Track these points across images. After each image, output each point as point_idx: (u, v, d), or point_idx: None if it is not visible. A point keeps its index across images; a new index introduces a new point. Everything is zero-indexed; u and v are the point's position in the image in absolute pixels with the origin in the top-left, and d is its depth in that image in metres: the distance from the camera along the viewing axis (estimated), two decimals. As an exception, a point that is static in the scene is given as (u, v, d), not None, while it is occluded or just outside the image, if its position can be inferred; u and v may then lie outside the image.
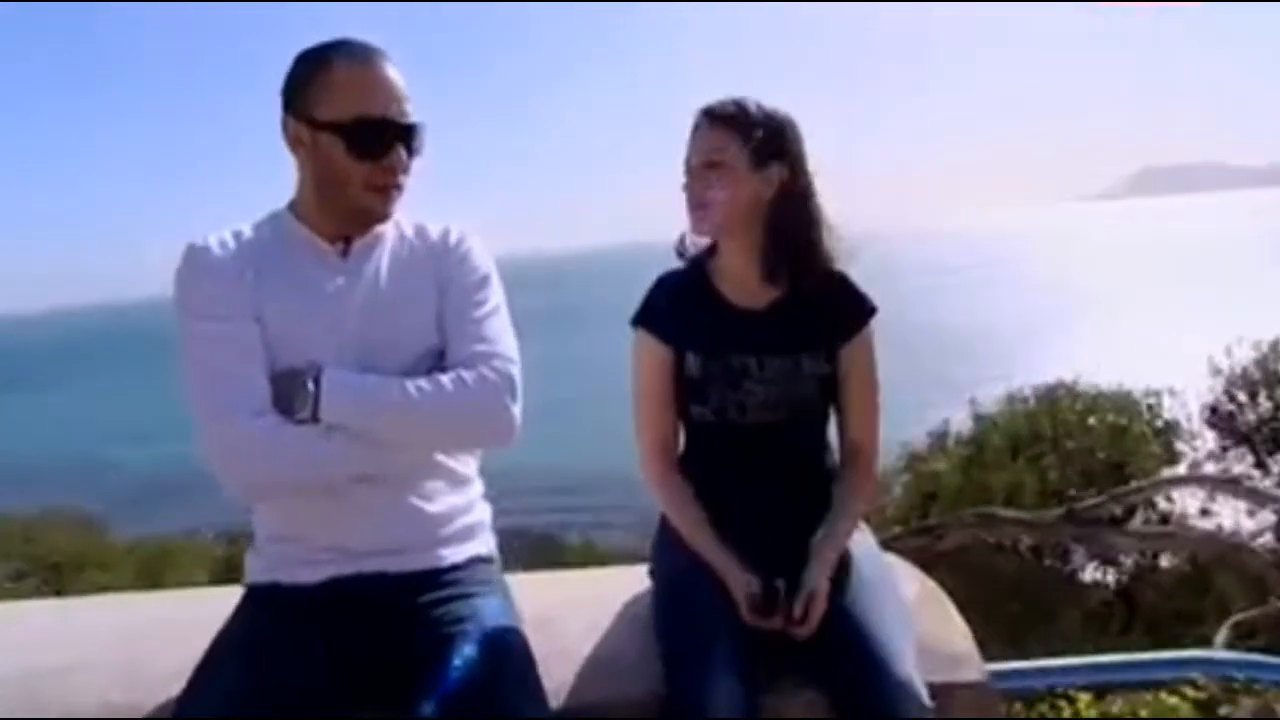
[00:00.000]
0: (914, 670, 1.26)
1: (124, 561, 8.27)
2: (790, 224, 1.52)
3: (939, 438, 6.64)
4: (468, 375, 1.35)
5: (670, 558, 1.53)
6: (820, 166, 1.56)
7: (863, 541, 1.54)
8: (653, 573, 1.62)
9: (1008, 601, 5.23)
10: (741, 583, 1.40)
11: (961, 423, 6.64)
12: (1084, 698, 2.23)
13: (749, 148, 1.50)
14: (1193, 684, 2.17)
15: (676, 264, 1.64)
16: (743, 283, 1.57)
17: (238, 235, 1.42)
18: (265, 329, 1.35)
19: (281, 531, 1.40)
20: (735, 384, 1.53)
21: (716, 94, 1.56)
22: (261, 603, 1.39)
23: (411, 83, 1.38)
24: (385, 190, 1.38)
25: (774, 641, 1.36)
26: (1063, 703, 2.24)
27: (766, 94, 1.53)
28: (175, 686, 1.26)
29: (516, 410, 1.38)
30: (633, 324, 1.59)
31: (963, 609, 1.60)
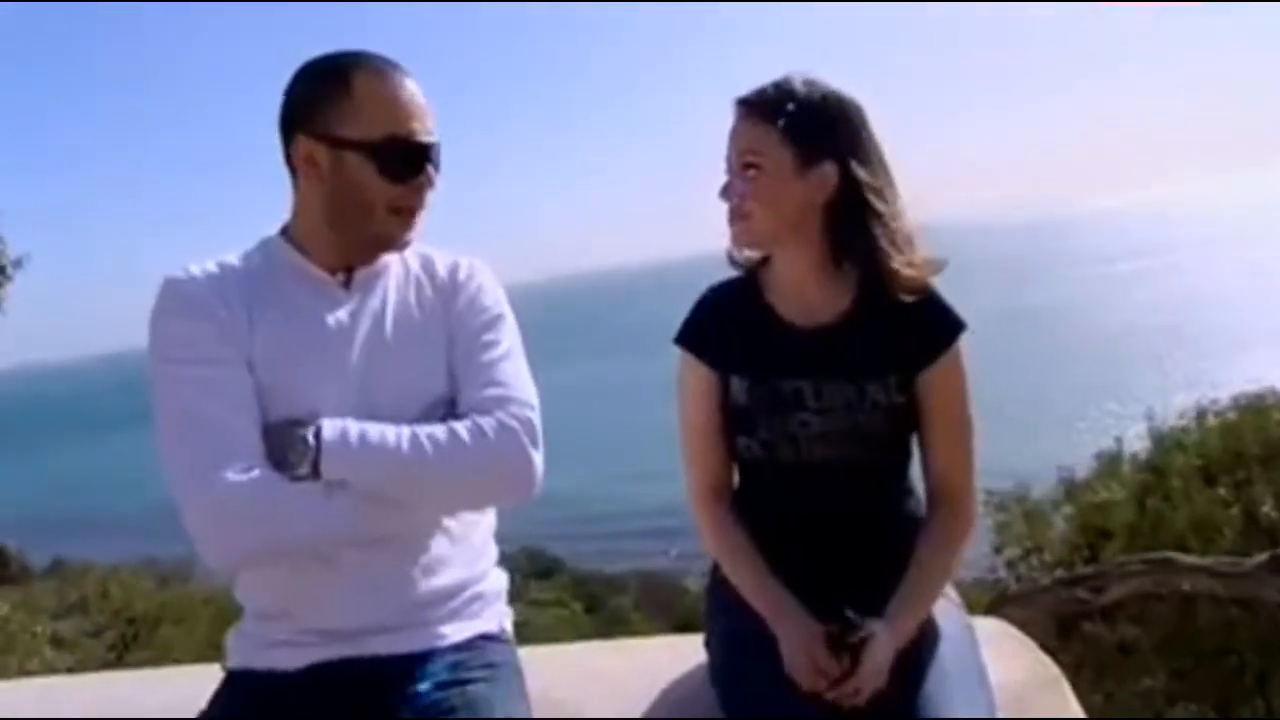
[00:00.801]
0: None
1: (200, 614, 8.77)
2: (854, 231, 1.42)
3: (1109, 460, 6.16)
4: (485, 423, 1.34)
5: (730, 622, 1.46)
6: (897, 155, 1.44)
7: (947, 611, 1.42)
8: (709, 643, 1.54)
9: (1213, 661, 4.77)
10: (804, 626, 1.34)
11: (1138, 441, 6.15)
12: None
13: (792, 143, 1.41)
14: None
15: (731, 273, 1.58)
16: (799, 296, 1.49)
17: (224, 266, 1.42)
18: (257, 372, 1.34)
19: (266, 608, 1.39)
20: (786, 413, 1.46)
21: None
22: (239, 691, 1.38)
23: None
24: (410, 214, 1.39)
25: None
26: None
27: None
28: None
29: (539, 460, 1.36)
30: (676, 342, 1.55)
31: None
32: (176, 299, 1.37)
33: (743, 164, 1.43)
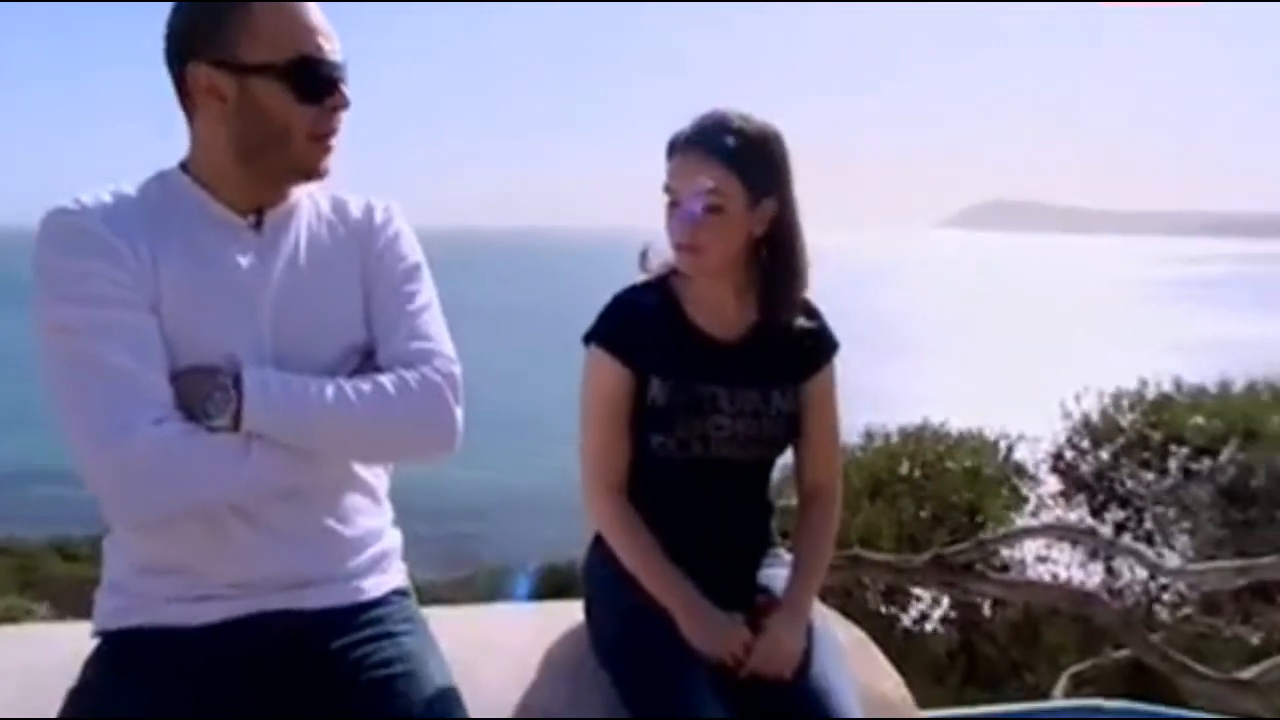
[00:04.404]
0: None
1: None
2: (782, 259, 1.71)
3: (788, 472, 7.24)
4: (410, 376, 1.44)
5: (619, 599, 1.70)
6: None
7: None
8: (589, 610, 1.81)
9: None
10: (723, 621, 1.64)
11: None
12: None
13: (746, 182, 1.64)
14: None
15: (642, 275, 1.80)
16: (717, 312, 1.76)
17: (119, 197, 1.41)
18: (163, 318, 1.36)
19: (157, 562, 1.40)
20: (703, 415, 1.73)
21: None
22: (124, 656, 1.39)
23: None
24: (327, 140, 1.44)
25: (738, 690, 1.59)
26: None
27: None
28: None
29: (460, 416, 1.48)
30: (586, 341, 1.75)
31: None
32: (67, 233, 1.35)
33: (704, 205, 1.64)
